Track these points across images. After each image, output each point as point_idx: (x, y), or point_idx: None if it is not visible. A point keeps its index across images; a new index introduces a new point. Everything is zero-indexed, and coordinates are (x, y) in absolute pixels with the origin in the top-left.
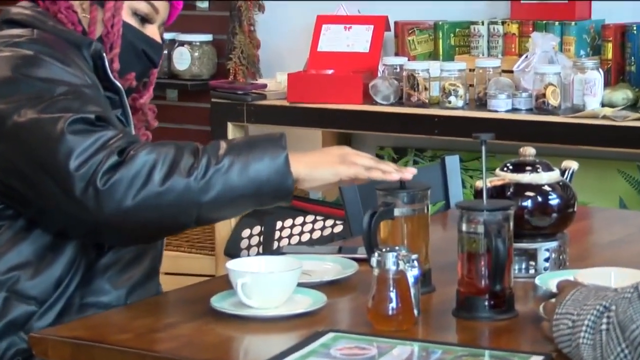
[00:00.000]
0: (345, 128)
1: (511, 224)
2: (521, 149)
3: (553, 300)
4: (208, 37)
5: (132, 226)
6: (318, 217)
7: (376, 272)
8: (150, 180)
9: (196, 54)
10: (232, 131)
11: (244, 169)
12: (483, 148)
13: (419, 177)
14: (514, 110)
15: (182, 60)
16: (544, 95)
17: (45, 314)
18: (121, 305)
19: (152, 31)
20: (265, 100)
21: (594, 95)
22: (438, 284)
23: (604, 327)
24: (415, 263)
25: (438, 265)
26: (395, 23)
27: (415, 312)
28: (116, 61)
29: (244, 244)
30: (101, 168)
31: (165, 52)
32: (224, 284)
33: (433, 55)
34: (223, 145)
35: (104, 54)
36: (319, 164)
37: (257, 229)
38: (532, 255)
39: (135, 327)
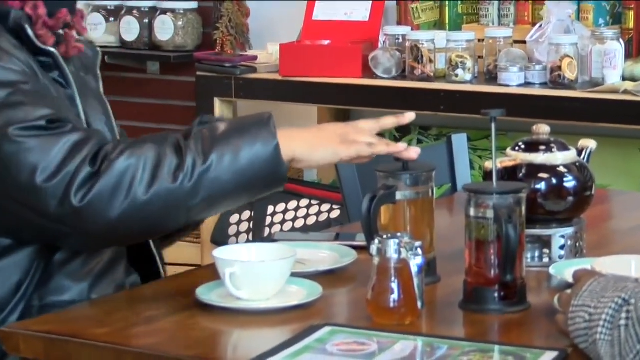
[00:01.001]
0: (343, 104)
1: (523, 208)
2: (534, 127)
3: (569, 291)
4: (193, 5)
5: (119, 237)
6: (313, 202)
7: (376, 260)
8: (133, 190)
9: (180, 22)
10: (220, 107)
11: (232, 163)
12: (493, 125)
13: (424, 157)
14: (527, 84)
15: (164, 29)
16: (559, 68)
17: (5, 321)
18: (84, 300)
19: None
20: (255, 73)
21: (614, 68)
22: (444, 274)
23: (622, 322)
24: (419, 251)
25: (444, 254)
26: None
27: (419, 304)
28: (42, 29)
29: (232, 230)
30: (74, 182)
31: (146, 21)
32: (211, 274)
33: (439, 25)
34: (206, 135)
35: (25, 25)
36: (317, 144)
37: (246, 214)
38: (546, 243)
39: (113, 320)
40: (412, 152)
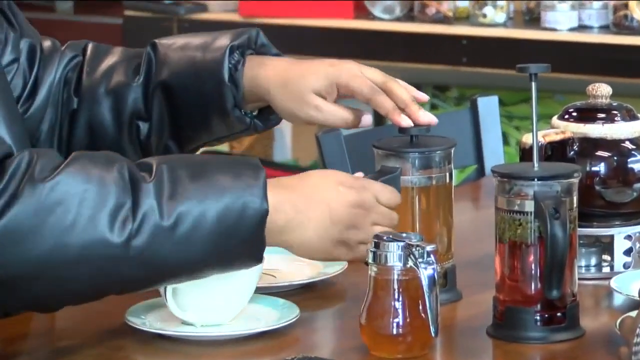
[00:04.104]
0: (329, 55)
1: (575, 199)
2: (590, 87)
3: (634, 313)
4: None
5: (16, 296)
6: None
7: (373, 271)
8: (62, 231)
9: None
10: None
11: (200, 230)
12: (533, 85)
13: (439, 128)
14: (581, 28)
15: None
16: (625, 6)
17: None
18: None
19: None
20: (205, 13)
21: None
22: (466, 289)
23: None
24: (432, 258)
25: (466, 261)
26: None
27: (432, 330)
28: None
29: None
30: None
31: None
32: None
33: None
34: (169, 177)
35: None
36: (313, 252)
37: None
38: (606, 246)
39: (12, 353)
40: (428, 117)
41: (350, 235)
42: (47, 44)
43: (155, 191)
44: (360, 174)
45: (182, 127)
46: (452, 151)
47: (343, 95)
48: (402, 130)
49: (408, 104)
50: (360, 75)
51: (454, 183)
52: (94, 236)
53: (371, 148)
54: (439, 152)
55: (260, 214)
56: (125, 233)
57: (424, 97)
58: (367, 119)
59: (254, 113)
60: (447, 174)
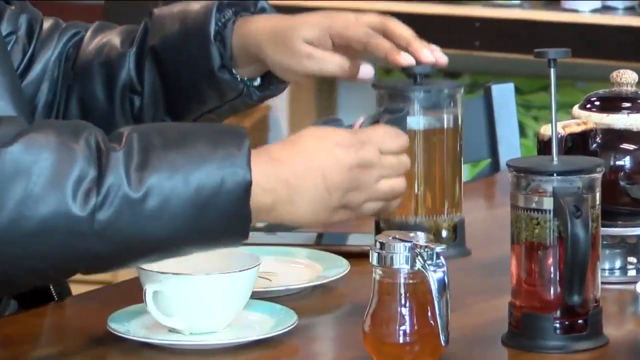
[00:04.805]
0: None
1: (598, 195)
2: (614, 74)
3: None
4: None
5: None
6: None
7: (378, 274)
8: (19, 201)
9: None
10: None
11: (173, 202)
12: (552, 72)
13: None
14: (605, 9)
15: None
16: None
17: None
18: None
19: None
20: None
21: None
22: (479, 294)
23: None
24: (442, 260)
25: (479, 264)
26: None
27: (442, 338)
28: None
29: None
30: None
31: None
32: (131, 292)
33: None
34: (140, 146)
35: None
36: (308, 223)
37: None
38: (632, 247)
39: None
40: (434, 56)
41: (351, 199)
42: (49, 22)
43: (124, 161)
44: (361, 119)
45: (174, 98)
46: (461, 91)
47: (339, 46)
48: (405, 70)
49: (410, 41)
50: (355, 21)
51: (462, 133)
52: (55, 208)
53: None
54: (447, 90)
55: (242, 186)
56: (89, 205)
57: (442, 58)
58: (368, 69)
59: (255, 83)
60: (455, 117)
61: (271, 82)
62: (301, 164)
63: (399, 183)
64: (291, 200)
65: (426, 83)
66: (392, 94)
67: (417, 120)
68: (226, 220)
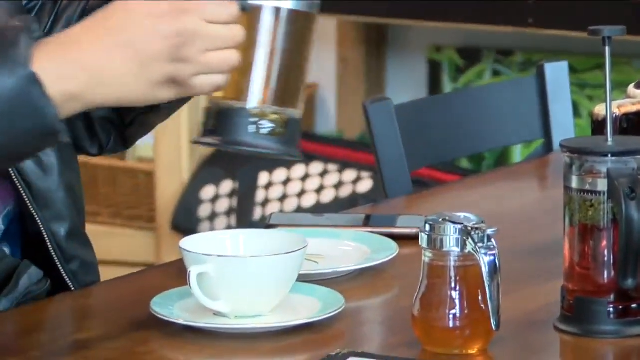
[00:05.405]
0: (377, 15)
1: None
2: None
3: None
4: None
5: None
6: (330, 166)
7: (427, 257)
8: None
9: None
10: None
11: None
12: (607, 50)
13: (502, 97)
14: None
15: None
16: None
17: None
18: None
19: None
20: None
21: None
22: (532, 278)
23: None
24: (493, 242)
25: (532, 247)
26: None
27: (493, 323)
28: None
29: (204, 210)
30: None
31: None
32: (173, 276)
33: None
34: None
35: None
36: (129, 103)
37: (226, 185)
38: None
39: (25, 346)
40: None
41: (177, 72)
42: None
43: None
44: None
45: None
46: None
47: None
48: None
49: None
50: None
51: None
52: None
53: (423, 119)
54: None
55: (25, 80)
56: None
57: None
58: None
59: None
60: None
61: None
62: (106, 43)
63: (230, 55)
64: (100, 83)
65: None
66: None
67: None
68: (29, 121)
